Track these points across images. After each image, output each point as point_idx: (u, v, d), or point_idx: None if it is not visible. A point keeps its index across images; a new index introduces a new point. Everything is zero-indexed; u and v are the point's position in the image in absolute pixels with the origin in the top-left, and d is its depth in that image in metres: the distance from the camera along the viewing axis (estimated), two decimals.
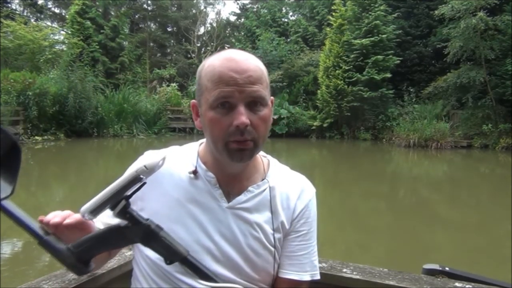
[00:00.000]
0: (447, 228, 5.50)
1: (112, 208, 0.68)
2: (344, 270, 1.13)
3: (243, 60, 0.81)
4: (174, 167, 0.89)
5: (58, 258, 0.72)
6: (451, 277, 1.12)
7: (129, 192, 0.68)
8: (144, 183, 0.70)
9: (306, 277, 0.90)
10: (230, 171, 0.88)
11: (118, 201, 0.67)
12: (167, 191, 0.87)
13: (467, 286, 1.05)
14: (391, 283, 1.06)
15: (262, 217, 0.88)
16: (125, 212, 0.68)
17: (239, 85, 0.78)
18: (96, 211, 0.69)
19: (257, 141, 0.81)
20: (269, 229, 0.88)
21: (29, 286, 0.95)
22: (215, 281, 0.68)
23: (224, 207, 0.86)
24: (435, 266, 1.16)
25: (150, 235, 0.67)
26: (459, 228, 5.53)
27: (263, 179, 0.91)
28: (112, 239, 0.71)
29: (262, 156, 0.96)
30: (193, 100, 0.88)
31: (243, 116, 0.77)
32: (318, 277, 0.92)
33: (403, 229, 5.39)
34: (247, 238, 0.85)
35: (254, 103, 0.80)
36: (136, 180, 0.67)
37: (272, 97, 0.87)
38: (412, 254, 4.23)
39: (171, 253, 0.66)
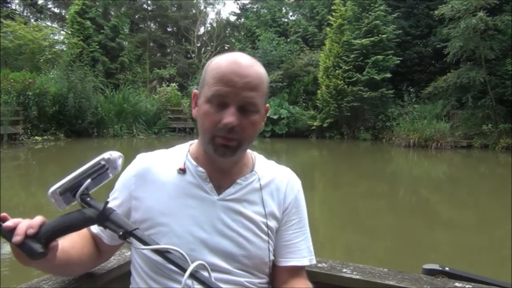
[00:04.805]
0: (447, 228, 5.50)
1: (77, 189, 0.77)
2: (344, 270, 1.13)
3: (247, 66, 0.85)
4: (165, 166, 0.94)
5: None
6: (451, 277, 1.12)
7: (92, 176, 0.79)
8: (106, 168, 0.80)
9: (305, 261, 0.95)
10: (220, 165, 0.91)
11: (82, 182, 0.77)
12: (158, 188, 0.91)
13: (467, 286, 1.05)
14: (391, 283, 1.06)
15: (252, 207, 0.92)
16: (86, 195, 0.78)
17: (236, 88, 0.83)
18: (64, 191, 0.76)
19: (241, 142, 0.86)
20: (259, 218, 0.91)
21: (29, 286, 0.95)
22: (166, 250, 0.74)
23: (214, 200, 0.90)
24: (435, 266, 1.16)
25: (104, 216, 0.76)
26: (459, 228, 5.53)
27: (251, 172, 0.96)
28: (75, 222, 0.78)
29: (250, 153, 1.00)
30: (195, 90, 0.94)
31: (232, 117, 0.83)
32: (314, 261, 0.98)
33: (403, 229, 5.39)
34: (238, 227, 0.89)
35: (246, 107, 0.85)
36: (99, 168, 0.79)
37: (267, 105, 0.92)
38: (412, 254, 4.23)
39: (122, 229, 0.75)
